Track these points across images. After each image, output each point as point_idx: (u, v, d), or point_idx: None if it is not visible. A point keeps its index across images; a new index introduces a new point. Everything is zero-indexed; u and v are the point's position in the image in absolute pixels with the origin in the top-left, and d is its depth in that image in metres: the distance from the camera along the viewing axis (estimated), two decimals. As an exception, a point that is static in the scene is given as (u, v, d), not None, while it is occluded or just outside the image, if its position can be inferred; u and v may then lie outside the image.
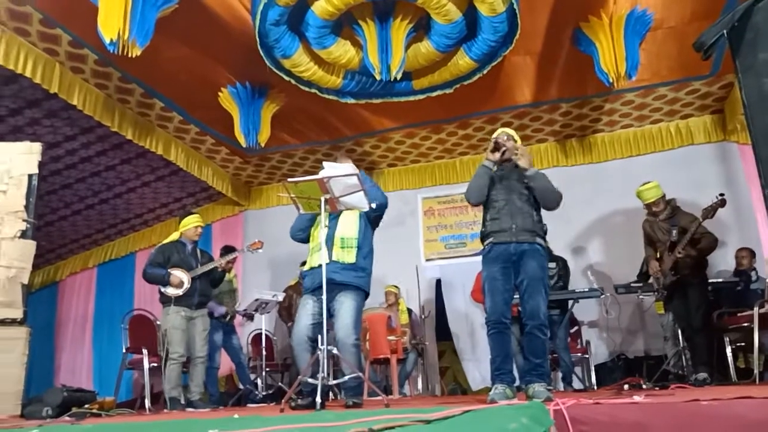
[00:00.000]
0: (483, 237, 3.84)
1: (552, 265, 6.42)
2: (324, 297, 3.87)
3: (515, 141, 3.95)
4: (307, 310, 4.09)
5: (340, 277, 4.04)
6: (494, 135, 3.99)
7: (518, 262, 3.63)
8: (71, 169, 7.57)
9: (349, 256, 4.10)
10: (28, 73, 5.33)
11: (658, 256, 5.48)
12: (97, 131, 6.78)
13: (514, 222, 3.65)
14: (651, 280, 5.71)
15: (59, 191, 8.06)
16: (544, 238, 3.77)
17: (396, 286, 7.33)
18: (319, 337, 3.91)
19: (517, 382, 4.06)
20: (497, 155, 3.77)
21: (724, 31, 3.11)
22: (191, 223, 5.74)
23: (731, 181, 7.23)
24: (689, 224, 5.26)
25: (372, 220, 4.35)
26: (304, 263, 7.34)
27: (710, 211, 5.23)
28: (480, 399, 4.09)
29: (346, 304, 4.04)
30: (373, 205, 4.12)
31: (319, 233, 4.11)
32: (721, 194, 5.29)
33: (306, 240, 4.41)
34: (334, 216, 4.20)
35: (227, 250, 6.60)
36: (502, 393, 3.40)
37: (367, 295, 4.24)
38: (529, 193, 3.76)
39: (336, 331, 4.05)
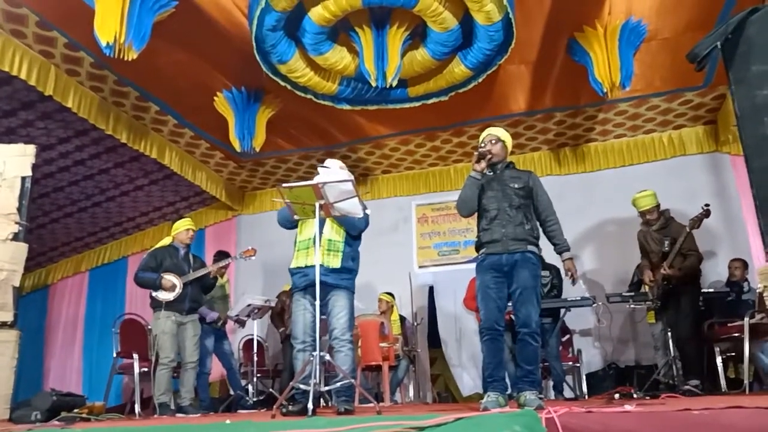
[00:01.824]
0: (477, 247, 3.88)
1: (545, 273, 6.43)
2: (317, 302, 3.90)
3: (503, 141, 3.95)
4: (304, 308, 4.13)
5: (329, 279, 4.11)
6: (482, 135, 4.02)
7: (510, 272, 3.67)
8: (64, 172, 7.54)
9: (335, 261, 4.16)
10: (23, 75, 5.31)
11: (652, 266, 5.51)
12: (92, 134, 6.76)
13: (505, 232, 3.68)
14: (644, 289, 5.73)
15: (52, 194, 8.02)
16: (537, 245, 3.79)
17: (390, 294, 7.32)
18: (296, 345, 4.00)
19: (509, 390, 4.09)
20: (483, 164, 3.78)
21: (718, 43, 3.15)
22: (183, 226, 5.73)
23: (723, 191, 7.28)
24: (679, 235, 5.29)
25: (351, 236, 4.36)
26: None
27: (696, 222, 5.28)
28: (471, 406, 4.09)
29: (340, 302, 4.13)
30: (368, 211, 4.15)
31: (306, 231, 4.16)
32: (707, 204, 5.33)
33: (294, 226, 4.41)
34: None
35: (221, 255, 6.59)
36: (494, 401, 3.42)
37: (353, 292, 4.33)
38: (519, 197, 3.77)
39: (331, 329, 4.12)
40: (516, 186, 3.80)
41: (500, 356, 3.65)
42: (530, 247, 3.70)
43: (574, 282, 3.87)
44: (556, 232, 3.82)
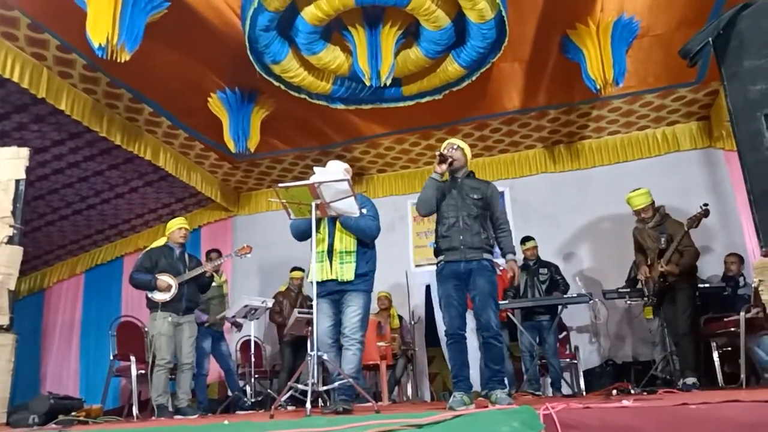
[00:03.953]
0: (436, 253, 4.08)
1: (543, 270, 6.46)
2: (315, 306, 3.92)
3: (463, 150, 4.13)
4: (323, 313, 4.13)
5: (344, 286, 4.15)
6: (442, 146, 4.18)
7: (468, 279, 3.88)
8: (59, 174, 7.51)
9: (348, 273, 4.13)
10: (15, 78, 5.29)
11: (649, 263, 5.52)
12: (85, 136, 6.73)
13: (462, 240, 3.89)
14: (640, 285, 5.75)
15: (46, 196, 7.99)
16: (491, 253, 3.98)
17: (389, 292, 7.35)
18: (308, 343, 3.95)
19: (474, 388, 4.31)
20: (444, 167, 3.92)
21: (710, 39, 3.15)
22: (175, 225, 5.71)
23: (717, 187, 7.31)
24: (676, 232, 5.30)
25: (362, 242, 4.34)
26: (294, 269, 7.35)
27: (695, 221, 5.29)
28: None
29: (354, 302, 4.12)
30: (364, 210, 4.14)
31: (320, 243, 4.18)
32: (705, 204, 5.35)
33: (307, 238, 4.32)
34: (331, 220, 4.22)
35: (213, 253, 6.59)
36: (459, 400, 3.60)
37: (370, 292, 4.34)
38: (478, 207, 3.96)
39: (343, 327, 4.12)
40: (475, 197, 3.99)
41: (464, 358, 3.87)
42: (485, 255, 3.92)
43: (513, 281, 4.07)
44: (505, 239, 4.04)
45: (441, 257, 3.99)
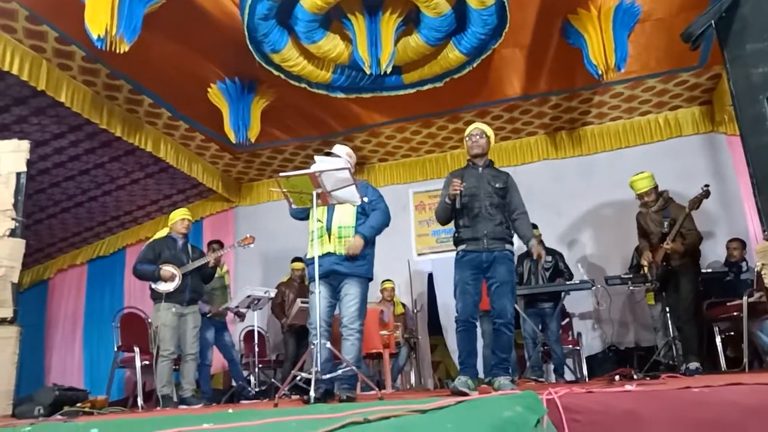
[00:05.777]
0: (456, 242, 4.10)
1: (549, 258, 6.46)
2: (316, 291, 3.90)
3: (488, 137, 4.17)
4: (321, 296, 4.08)
5: (342, 267, 4.12)
6: (468, 130, 4.21)
7: (489, 268, 3.93)
8: (59, 168, 7.50)
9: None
10: (14, 71, 5.28)
11: (651, 247, 5.51)
12: (86, 129, 6.72)
13: (485, 230, 3.93)
14: (643, 272, 5.74)
15: (48, 190, 7.99)
16: (512, 243, 4.05)
17: (392, 282, 7.38)
18: (311, 331, 3.95)
19: (479, 374, 4.36)
20: (458, 202, 3.98)
21: (712, 22, 3.14)
22: (178, 216, 5.72)
23: (719, 172, 7.28)
24: (679, 216, 5.29)
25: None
26: (295, 260, 7.35)
27: (696, 202, 5.27)
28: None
29: (352, 291, 4.11)
30: (365, 199, 4.13)
31: (317, 222, 4.16)
32: (706, 185, 5.33)
33: (306, 218, 4.37)
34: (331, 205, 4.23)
35: (215, 244, 6.58)
36: (464, 383, 3.65)
37: (370, 280, 4.31)
38: (499, 196, 4.02)
39: (341, 317, 4.11)
40: (497, 185, 4.04)
41: (472, 345, 3.93)
42: (507, 246, 3.98)
43: (539, 260, 4.19)
44: (521, 222, 4.08)
45: (463, 246, 4.00)
